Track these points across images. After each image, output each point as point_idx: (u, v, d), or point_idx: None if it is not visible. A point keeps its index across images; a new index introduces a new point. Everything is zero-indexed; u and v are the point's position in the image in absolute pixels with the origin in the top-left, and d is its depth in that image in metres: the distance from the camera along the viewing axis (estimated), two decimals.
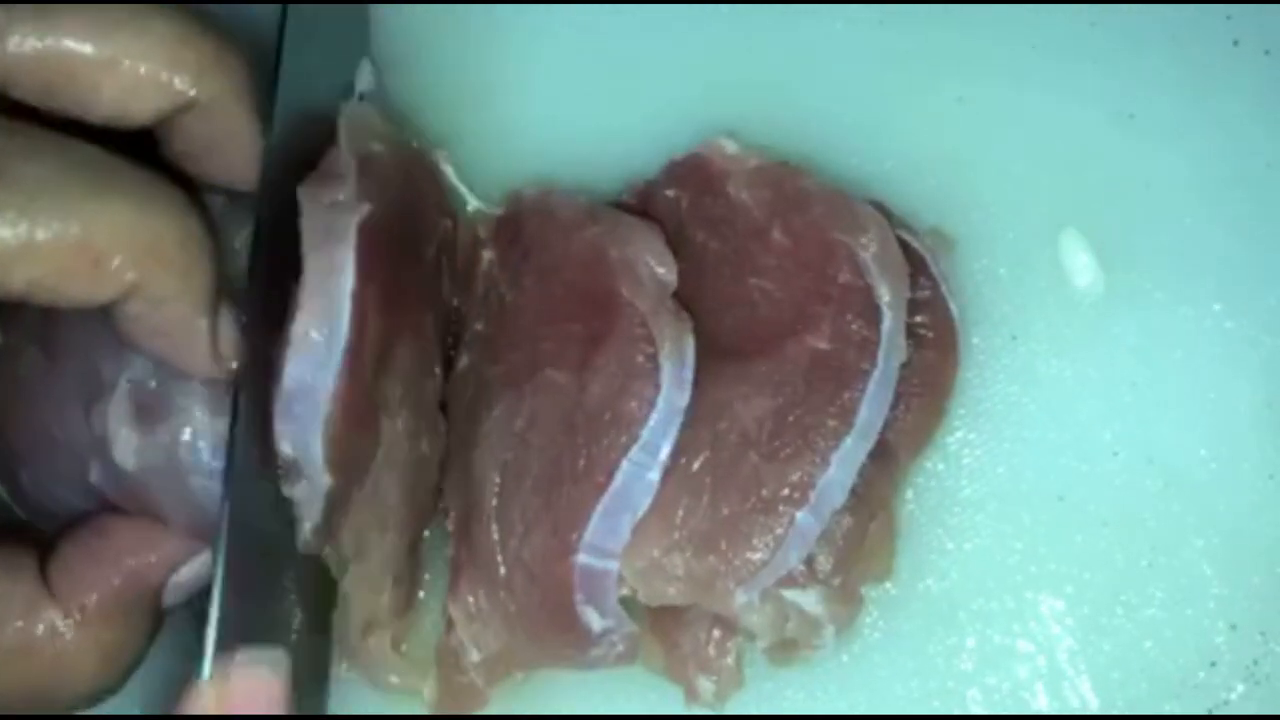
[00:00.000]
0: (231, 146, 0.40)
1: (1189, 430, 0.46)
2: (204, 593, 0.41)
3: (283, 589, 0.42)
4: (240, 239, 0.41)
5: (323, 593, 0.44)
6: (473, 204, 0.49)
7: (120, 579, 0.40)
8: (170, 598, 0.42)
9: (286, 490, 0.41)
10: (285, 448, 0.41)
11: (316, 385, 0.40)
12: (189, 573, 0.41)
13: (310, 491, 0.41)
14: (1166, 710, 0.45)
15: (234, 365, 0.40)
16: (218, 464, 0.40)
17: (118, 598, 0.40)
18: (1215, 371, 0.46)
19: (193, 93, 0.38)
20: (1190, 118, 0.48)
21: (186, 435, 0.40)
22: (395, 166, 0.45)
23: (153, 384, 0.40)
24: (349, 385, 0.41)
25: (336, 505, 0.42)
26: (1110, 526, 0.46)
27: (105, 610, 0.40)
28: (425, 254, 0.47)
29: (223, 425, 0.40)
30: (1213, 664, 0.45)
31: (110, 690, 0.41)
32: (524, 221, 0.47)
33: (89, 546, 0.41)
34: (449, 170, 0.49)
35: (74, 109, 0.37)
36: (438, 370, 0.47)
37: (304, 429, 0.40)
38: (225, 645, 0.38)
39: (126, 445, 0.40)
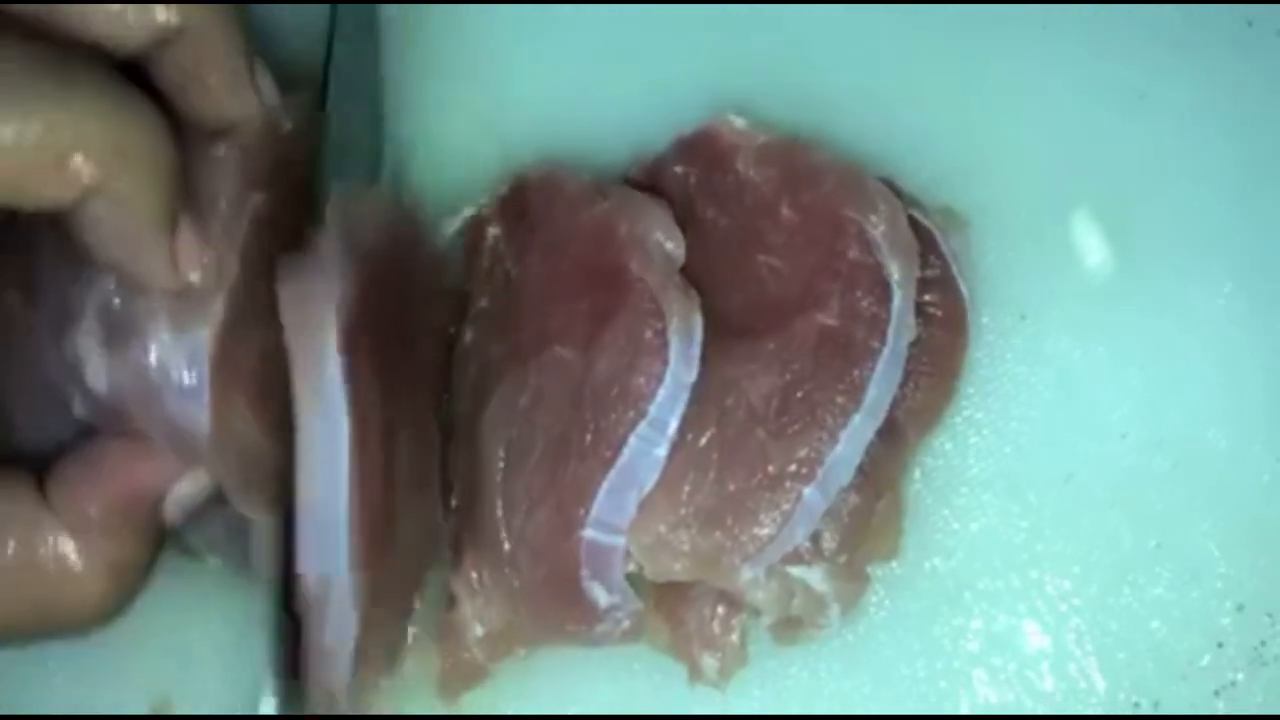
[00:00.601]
0: (215, 77, 0.40)
1: (1198, 412, 0.46)
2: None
3: None
4: None
5: None
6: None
7: (118, 490, 0.40)
8: (171, 514, 0.41)
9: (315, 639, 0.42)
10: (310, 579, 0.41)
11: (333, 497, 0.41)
12: (187, 487, 0.41)
13: (340, 634, 0.42)
14: (1172, 691, 0.45)
15: (193, 278, 0.40)
16: (190, 382, 0.40)
17: (118, 510, 0.40)
18: (1226, 353, 0.46)
19: (175, 21, 0.38)
20: (1203, 98, 0.48)
21: (153, 355, 0.40)
22: (385, 247, 0.45)
23: (117, 303, 0.40)
24: (365, 482, 0.41)
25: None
26: (1118, 507, 0.46)
27: (106, 523, 0.40)
28: (418, 336, 0.47)
29: (189, 342, 0.40)
30: (1220, 645, 0.45)
31: (117, 610, 0.41)
32: (530, 197, 0.46)
33: (86, 462, 0.40)
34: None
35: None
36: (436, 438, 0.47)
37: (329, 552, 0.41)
38: None
39: (98, 368, 0.40)
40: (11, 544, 0.39)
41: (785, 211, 0.44)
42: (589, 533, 0.42)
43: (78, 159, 0.36)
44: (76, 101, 0.36)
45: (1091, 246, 0.47)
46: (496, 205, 0.48)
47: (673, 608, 0.45)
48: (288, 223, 0.44)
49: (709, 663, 0.45)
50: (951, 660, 0.46)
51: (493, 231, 0.48)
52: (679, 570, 0.43)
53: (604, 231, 0.44)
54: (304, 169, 0.45)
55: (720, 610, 0.45)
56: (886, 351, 0.42)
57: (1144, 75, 0.48)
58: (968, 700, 0.46)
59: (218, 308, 0.40)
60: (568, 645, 0.45)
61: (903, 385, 0.43)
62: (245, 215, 0.42)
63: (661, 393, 0.42)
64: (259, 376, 0.42)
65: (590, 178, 0.46)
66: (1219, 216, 0.47)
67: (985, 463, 0.47)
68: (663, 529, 0.42)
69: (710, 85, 0.49)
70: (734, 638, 0.45)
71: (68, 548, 0.39)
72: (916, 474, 0.47)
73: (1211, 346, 0.46)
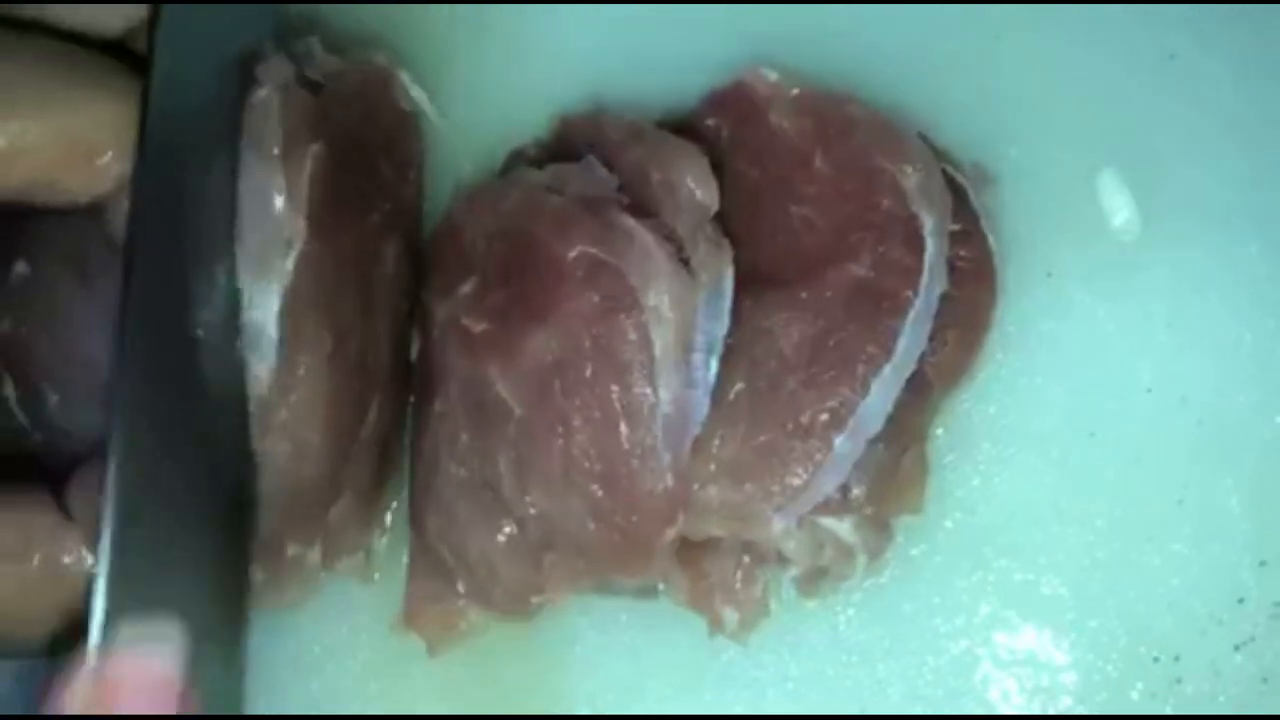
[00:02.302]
0: None
1: (1222, 369, 0.46)
2: None
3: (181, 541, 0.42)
4: None
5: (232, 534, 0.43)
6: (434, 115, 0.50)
7: None
8: None
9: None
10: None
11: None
12: None
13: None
14: (1193, 646, 0.45)
15: None
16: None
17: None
18: (1250, 312, 0.46)
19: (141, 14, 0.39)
20: (1232, 60, 0.48)
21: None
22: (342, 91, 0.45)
23: None
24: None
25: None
26: (1141, 463, 0.46)
27: None
28: (383, 194, 0.47)
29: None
30: (1240, 601, 0.45)
31: None
32: (575, 144, 0.46)
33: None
34: (410, 88, 0.49)
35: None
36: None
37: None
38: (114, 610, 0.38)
39: None
40: (36, 558, 0.40)
41: (818, 163, 0.44)
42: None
43: (107, 154, 0.37)
44: (98, 97, 0.37)
45: (1119, 205, 0.47)
46: (543, 154, 0.48)
47: (696, 561, 0.45)
48: (353, 185, 0.44)
49: (730, 615, 0.45)
50: (972, 615, 0.46)
51: None
52: (712, 528, 0.43)
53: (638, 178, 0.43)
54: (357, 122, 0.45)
55: (745, 560, 0.45)
56: (919, 301, 0.42)
57: (1175, 37, 0.48)
58: (988, 655, 0.46)
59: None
60: (589, 589, 0.45)
61: (931, 339, 0.43)
62: (304, 168, 0.42)
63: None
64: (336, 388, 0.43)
65: (631, 120, 0.46)
66: (1246, 177, 0.47)
67: (1009, 418, 0.47)
68: (695, 487, 0.42)
69: (741, 42, 0.48)
70: (757, 591, 0.45)
71: (89, 558, 0.40)
72: (940, 429, 0.47)
73: (1236, 305, 0.46)
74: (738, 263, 0.43)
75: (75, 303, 0.42)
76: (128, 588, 0.38)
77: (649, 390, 0.41)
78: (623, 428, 0.41)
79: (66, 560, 0.40)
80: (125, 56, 0.40)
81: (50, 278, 0.43)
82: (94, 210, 0.39)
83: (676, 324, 0.41)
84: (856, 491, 0.44)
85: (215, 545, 0.42)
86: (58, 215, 0.41)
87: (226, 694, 0.44)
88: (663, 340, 0.41)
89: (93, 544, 0.39)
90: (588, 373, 0.42)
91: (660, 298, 0.41)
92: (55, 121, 0.36)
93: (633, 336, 0.41)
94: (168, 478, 0.40)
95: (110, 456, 0.38)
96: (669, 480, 0.41)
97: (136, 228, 0.38)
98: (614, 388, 0.42)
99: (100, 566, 0.37)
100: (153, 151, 0.39)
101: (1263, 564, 0.45)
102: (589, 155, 0.44)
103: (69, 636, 0.40)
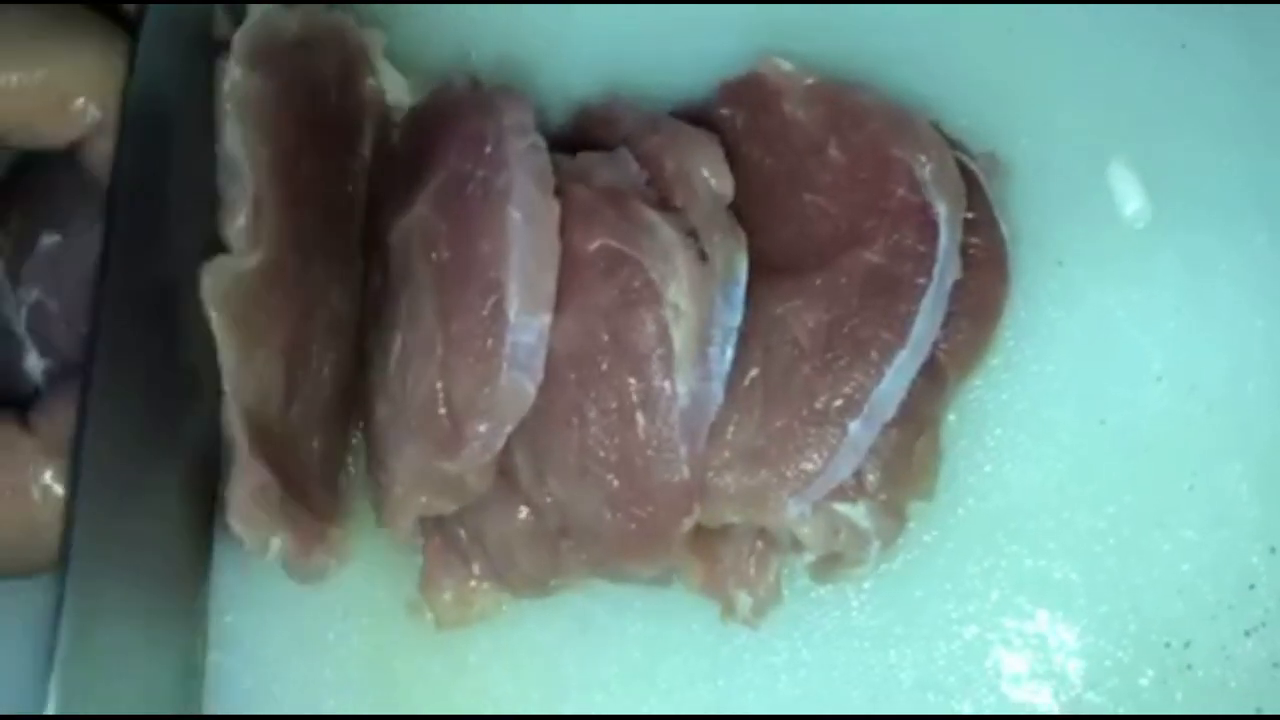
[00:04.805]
0: None
1: (1232, 357, 0.47)
2: None
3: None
4: None
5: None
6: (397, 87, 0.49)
7: None
8: None
9: None
10: None
11: None
12: None
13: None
14: (1203, 632, 0.46)
15: None
16: None
17: None
18: (1259, 300, 0.47)
19: None
20: (1242, 49, 0.48)
21: None
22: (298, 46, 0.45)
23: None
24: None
25: None
26: (1151, 450, 0.47)
27: None
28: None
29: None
30: (1250, 586, 0.46)
31: None
32: (593, 135, 0.46)
33: (68, 392, 0.41)
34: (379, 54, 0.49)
35: None
36: None
37: None
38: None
39: None
40: None
41: (833, 151, 0.44)
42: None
43: (79, 100, 0.39)
44: (74, 45, 0.39)
45: (1130, 194, 0.47)
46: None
47: (710, 546, 0.45)
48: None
49: (743, 600, 0.45)
50: (983, 601, 0.47)
51: None
52: (729, 514, 0.43)
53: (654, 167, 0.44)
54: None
55: (758, 548, 0.45)
56: (932, 288, 0.42)
57: (1186, 26, 0.48)
58: (999, 640, 0.46)
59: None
60: (605, 575, 0.46)
61: (944, 326, 0.44)
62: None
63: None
64: (293, 332, 0.44)
65: (647, 110, 0.46)
66: (1256, 166, 0.47)
67: (1020, 405, 0.47)
68: (709, 474, 0.43)
69: (754, 34, 0.48)
70: (770, 577, 0.45)
71: (48, 472, 0.41)
72: (952, 416, 0.47)
73: (1245, 293, 0.47)
74: (751, 250, 0.43)
75: (50, 250, 0.43)
76: (95, 514, 0.40)
77: (667, 384, 0.41)
78: (640, 420, 0.42)
79: (29, 476, 0.41)
80: (104, 7, 0.41)
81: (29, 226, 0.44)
82: (69, 156, 0.41)
83: (695, 318, 0.42)
84: (871, 477, 0.44)
85: (184, 486, 0.43)
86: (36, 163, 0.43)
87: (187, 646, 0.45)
88: (681, 334, 0.41)
89: (57, 460, 0.40)
90: (605, 366, 0.42)
91: (680, 292, 0.42)
92: (32, 66, 0.38)
93: (652, 330, 0.42)
94: (141, 411, 0.41)
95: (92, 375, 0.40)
96: (685, 472, 0.42)
97: (120, 165, 0.40)
98: (631, 381, 0.42)
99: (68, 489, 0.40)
100: (137, 97, 0.40)
101: (1273, 550, 0.46)
102: (621, 147, 0.44)
103: (36, 556, 0.41)
